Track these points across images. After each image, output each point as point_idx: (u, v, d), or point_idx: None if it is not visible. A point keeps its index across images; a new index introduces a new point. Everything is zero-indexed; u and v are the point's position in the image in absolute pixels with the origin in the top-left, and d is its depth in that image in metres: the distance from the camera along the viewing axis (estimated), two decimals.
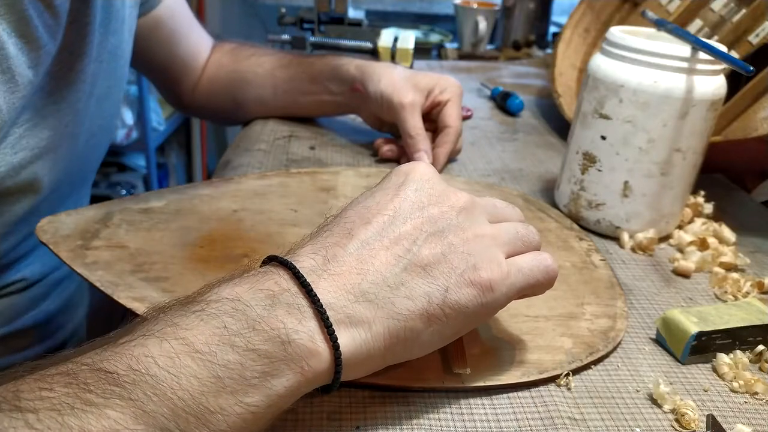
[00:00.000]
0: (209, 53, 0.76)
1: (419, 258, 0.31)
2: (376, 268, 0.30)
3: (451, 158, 0.66)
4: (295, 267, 0.29)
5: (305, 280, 0.29)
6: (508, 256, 0.34)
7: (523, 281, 0.33)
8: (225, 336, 0.26)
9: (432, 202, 0.33)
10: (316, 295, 0.28)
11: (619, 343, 0.41)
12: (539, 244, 0.36)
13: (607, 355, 0.40)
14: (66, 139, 0.52)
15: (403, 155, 0.64)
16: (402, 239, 0.31)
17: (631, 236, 0.53)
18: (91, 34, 0.50)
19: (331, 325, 0.28)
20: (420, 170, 0.35)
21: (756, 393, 0.38)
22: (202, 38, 0.75)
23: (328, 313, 0.28)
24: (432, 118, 0.65)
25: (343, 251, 0.30)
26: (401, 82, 0.63)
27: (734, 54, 0.68)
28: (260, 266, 0.31)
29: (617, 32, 0.50)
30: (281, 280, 0.29)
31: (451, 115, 0.63)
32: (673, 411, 0.36)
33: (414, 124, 0.61)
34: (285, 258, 0.30)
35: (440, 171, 0.62)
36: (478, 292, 0.31)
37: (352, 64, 0.66)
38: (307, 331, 0.28)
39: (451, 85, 0.65)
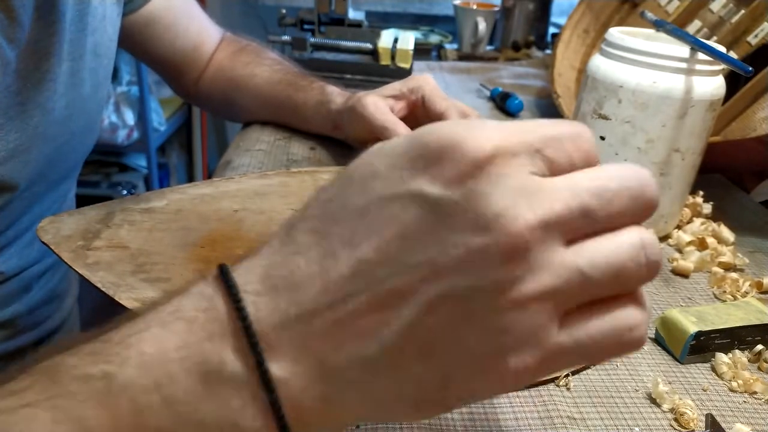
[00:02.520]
0: (215, 46, 0.75)
1: (415, 331, 0.20)
2: (352, 339, 0.20)
3: None
4: (251, 330, 0.20)
5: (263, 360, 0.20)
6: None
7: (575, 361, 0.21)
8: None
9: (466, 232, 0.19)
10: (272, 385, 0.20)
11: None
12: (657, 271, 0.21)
13: None
14: (38, 141, 0.50)
15: None
16: (394, 299, 0.20)
17: None
18: (59, 33, 0.49)
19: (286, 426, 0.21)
20: (481, 152, 0.20)
21: (755, 392, 0.38)
22: (205, 31, 0.74)
23: (282, 400, 0.20)
24: (424, 123, 0.62)
25: (310, 302, 0.21)
26: (364, 97, 0.61)
27: (733, 54, 0.68)
28: (209, 280, 0.22)
29: (616, 33, 0.51)
30: (224, 341, 0.21)
31: (436, 102, 0.58)
32: (672, 410, 0.36)
33: (383, 118, 0.57)
34: (237, 294, 0.21)
35: None
36: (498, 385, 0.21)
37: (334, 103, 0.65)
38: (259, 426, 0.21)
39: (420, 81, 0.60)
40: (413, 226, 0.20)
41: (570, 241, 0.20)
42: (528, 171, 0.20)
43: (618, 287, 0.20)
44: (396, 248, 0.20)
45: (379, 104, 0.59)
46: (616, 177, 0.20)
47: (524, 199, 0.19)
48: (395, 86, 0.61)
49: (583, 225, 0.20)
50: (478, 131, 0.20)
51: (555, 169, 0.21)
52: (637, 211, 0.20)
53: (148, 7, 0.65)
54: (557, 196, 0.19)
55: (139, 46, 0.68)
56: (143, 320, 0.22)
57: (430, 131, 0.21)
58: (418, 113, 0.61)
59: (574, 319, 0.20)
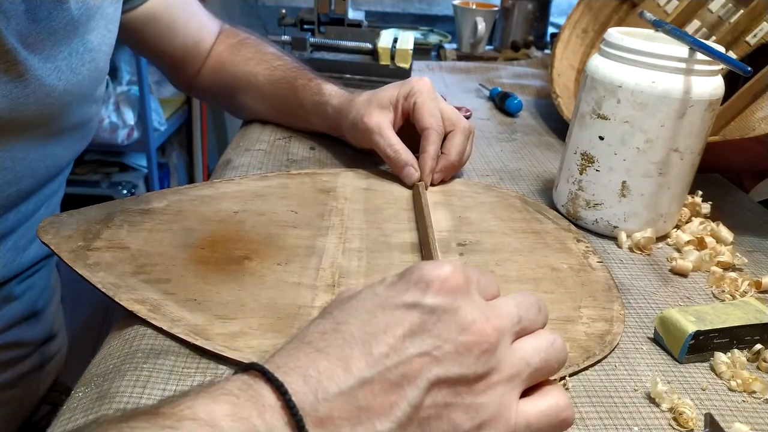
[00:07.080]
0: (214, 39, 0.75)
1: (418, 410, 0.26)
2: (370, 417, 0.26)
3: (458, 165, 0.60)
4: (291, 401, 0.25)
5: (303, 424, 0.24)
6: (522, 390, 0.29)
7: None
8: None
9: (451, 333, 0.27)
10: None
11: (616, 346, 0.41)
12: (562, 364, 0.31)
13: (603, 359, 0.40)
14: None
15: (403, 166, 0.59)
16: (403, 382, 0.26)
17: (629, 236, 0.53)
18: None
19: None
20: (446, 279, 0.28)
21: (753, 392, 0.38)
22: (205, 25, 0.74)
23: None
24: (413, 132, 0.61)
25: (336, 387, 0.26)
26: (364, 106, 0.60)
27: (732, 54, 0.68)
28: (242, 373, 0.27)
29: (615, 33, 0.51)
30: (267, 411, 0.25)
31: (423, 117, 0.58)
32: (671, 410, 0.36)
33: (386, 142, 0.58)
34: (276, 378, 0.25)
35: (431, 180, 0.59)
36: None
37: (330, 105, 0.65)
38: None
39: (415, 86, 0.59)
40: (415, 326, 0.27)
41: (512, 342, 0.29)
42: (478, 295, 0.29)
43: (547, 371, 0.29)
44: (402, 343, 0.26)
45: (383, 127, 0.59)
46: (527, 299, 0.30)
47: (487, 312, 0.28)
48: (392, 92, 0.60)
49: (518, 330, 0.29)
50: (438, 267, 0.28)
51: (488, 297, 0.30)
52: (541, 317, 0.30)
53: (147, 5, 0.65)
54: (503, 312, 0.29)
55: (139, 42, 0.69)
56: (189, 396, 0.25)
57: (411, 270, 0.29)
58: (411, 118, 0.60)
59: (524, 407, 0.28)
